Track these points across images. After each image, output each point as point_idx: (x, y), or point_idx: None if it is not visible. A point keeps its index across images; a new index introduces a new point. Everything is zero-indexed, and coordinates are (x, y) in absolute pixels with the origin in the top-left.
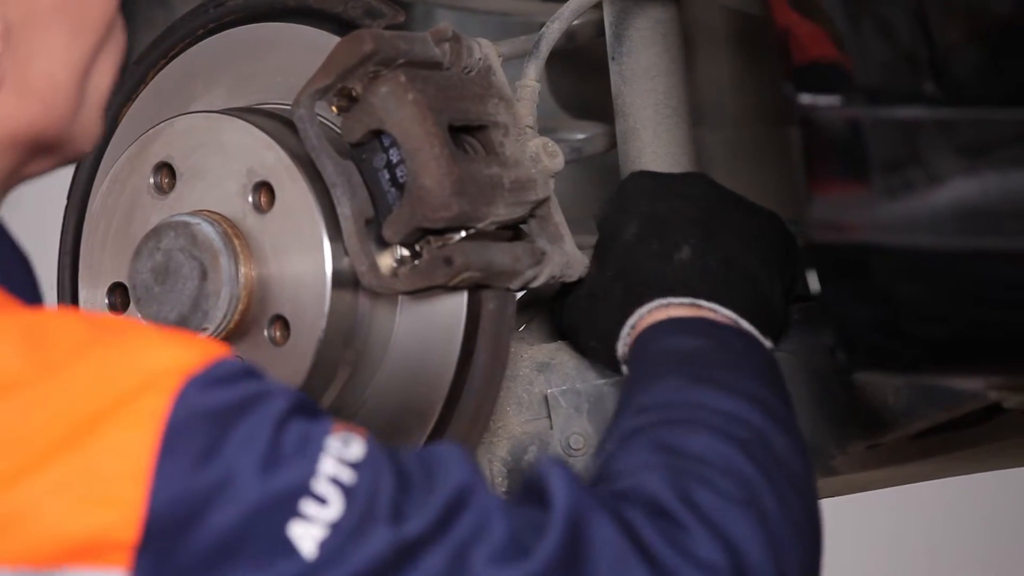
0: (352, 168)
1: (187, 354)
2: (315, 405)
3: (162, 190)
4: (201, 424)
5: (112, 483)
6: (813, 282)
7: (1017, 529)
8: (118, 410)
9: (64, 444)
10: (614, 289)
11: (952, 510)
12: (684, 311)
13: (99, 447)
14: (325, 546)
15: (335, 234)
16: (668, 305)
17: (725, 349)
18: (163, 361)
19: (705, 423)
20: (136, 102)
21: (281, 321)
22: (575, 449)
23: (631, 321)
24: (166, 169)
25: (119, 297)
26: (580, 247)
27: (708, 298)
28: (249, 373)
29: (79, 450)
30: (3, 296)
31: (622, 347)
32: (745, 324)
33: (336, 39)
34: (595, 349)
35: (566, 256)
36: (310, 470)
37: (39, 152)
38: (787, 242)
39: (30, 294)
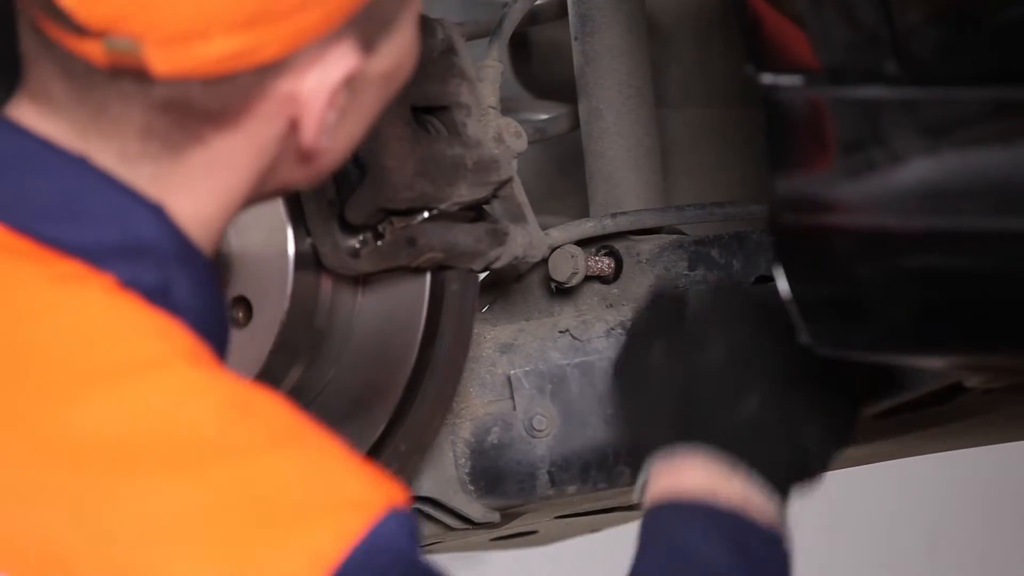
0: None
1: (380, 495)
2: None
3: None
4: None
5: None
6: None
7: (1014, 510)
8: (292, 527)
9: (236, 540)
10: (661, 412)
11: (950, 491)
12: (714, 479)
13: (263, 559)
14: None
15: (297, 215)
16: (700, 460)
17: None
18: (360, 492)
19: None
20: None
21: (243, 303)
22: (538, 430)
23: (657, 463)
24: None
25: None
26: (543, 227)
27: (750, 464)
28: (416, 540)
29: (244, 551)
30: (210, 356)
31: (640, 483)
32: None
33: None
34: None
35: (529, 237)
36: None
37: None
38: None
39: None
